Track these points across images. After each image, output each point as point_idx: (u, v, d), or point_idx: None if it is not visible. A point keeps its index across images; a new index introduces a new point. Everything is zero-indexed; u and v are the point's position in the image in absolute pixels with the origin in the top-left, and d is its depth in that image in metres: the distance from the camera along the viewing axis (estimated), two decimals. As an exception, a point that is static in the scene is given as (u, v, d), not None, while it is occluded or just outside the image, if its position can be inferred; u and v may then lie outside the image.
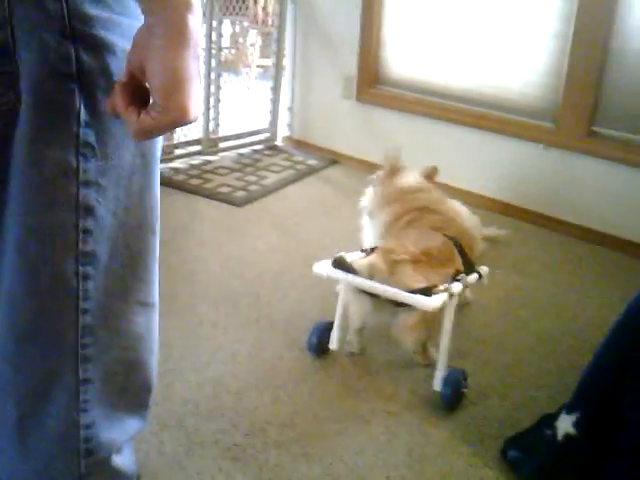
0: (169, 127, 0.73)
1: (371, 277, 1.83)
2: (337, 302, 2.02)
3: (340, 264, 1.87)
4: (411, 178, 2.38)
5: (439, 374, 1.90)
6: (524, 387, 2.00)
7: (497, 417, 1.86)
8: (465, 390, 1.91)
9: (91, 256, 0.81)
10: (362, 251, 2.00)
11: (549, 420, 1.63)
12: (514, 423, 1.82)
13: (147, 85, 0.71)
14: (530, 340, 2.25)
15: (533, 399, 1.94)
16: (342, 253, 1.92)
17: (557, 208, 3.19)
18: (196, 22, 0.68)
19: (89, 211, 0.79)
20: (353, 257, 1.93)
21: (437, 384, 1.91)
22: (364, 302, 1.90)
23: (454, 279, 1.89)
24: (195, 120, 0.72)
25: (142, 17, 0.69)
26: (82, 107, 0.75)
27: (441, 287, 1.81)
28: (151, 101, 0.71)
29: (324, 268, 1.88)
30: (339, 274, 1.86)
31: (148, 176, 0.86)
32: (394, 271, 1.82)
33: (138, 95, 0.72)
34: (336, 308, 2.02)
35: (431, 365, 1.99)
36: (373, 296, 1.86)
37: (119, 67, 0.75)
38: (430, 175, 2.45)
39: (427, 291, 1.79)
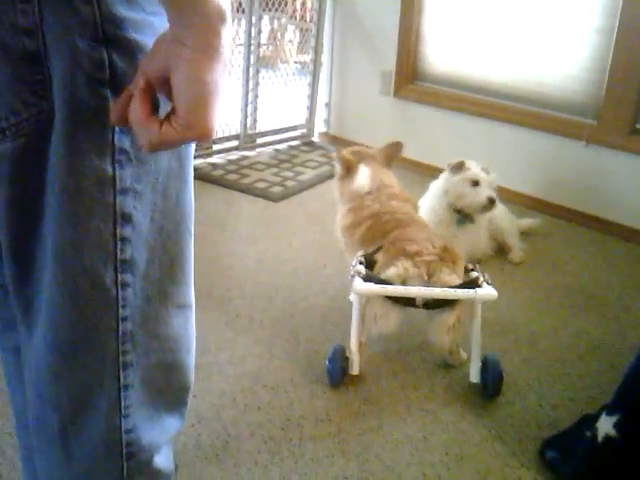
0: (188, 142, 0.70)
1: (404, 284, 1.80)
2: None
3: (370, 277, 1.82)
4: (365, 177, 2.23)
5: (475, 364, 1.90)
6: (563, 387, 1.97)
7: (535, 417, 1.84)
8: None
9: (130, 263, 0.80)
10: (361, 263, 1.90)
11: (589, 421, 1.60)
12: (553, 423, 1.80)
13: (160, 93, 0.68)
14: (569, 340, 2.22)
15: (572, 399, 1.91)
16: (359, 267, 1.86)
17: (597, 206, 3.13)
18: (228, 33, 0.65)
19: (127, 219, 0.78)
20: (359, 268, 1.86)
21: (474, 375, 1.90)
22: (397, 312, 1.84)
23: (468, 271, 1.92)
24: (213, 137, 0.70)
25: None
26: None
27: (481, 278, 1.85)
28: (165, 110, 0.68)
29: (361, 288, 1.79)
30: (378, 288, 1.79)
31: (184, 178, 0.85)
32: (430, 273, 1.80)
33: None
34: (352, 330, 1.90)
35: (462, 365, 2.01)
36: (405, 304, 1.83)
37: None
38: (389, 157, 2.33)
39: (474, 284, 1.82)
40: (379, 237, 1.98)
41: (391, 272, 1.81)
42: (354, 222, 2.11)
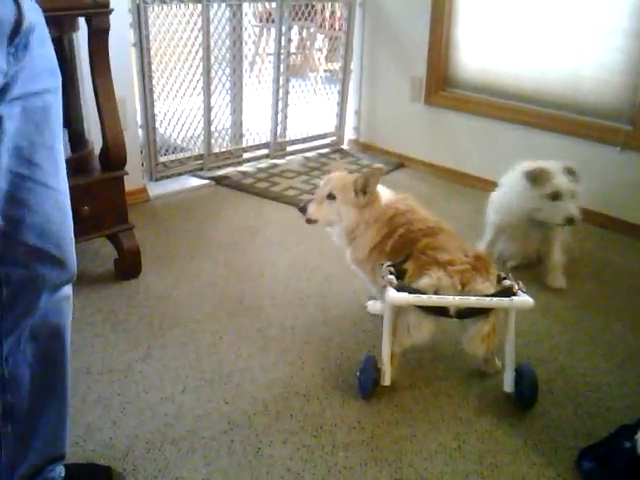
0: None
1: (436, 294, 1.76)
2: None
3: (404, 287, 1.77)
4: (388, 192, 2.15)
5: (509, 374, 1.87)
6: (600, 396, 1.93)
7: (571, 427, 1.80)
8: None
9: None
10: (391, 274, 1.84)
11: (628, 432, 1.57)
12: (589, 433, 1.77)
13: None
14: (605, 348, 2.18)
15: (609, 409, 1.87)
16: (390, 277, 1.82)
17: (632, 212, 3.08)
18: None
19: None
20: (390, 278, 1.81)
21: (508, 385, 1.87)
22: (430, 322, 1.81)
23: (501, 280, 1.88)
24: None
25: None
26: None
27: (515, 286, 1.82)
28: None
29: (395, 298, 1.74)
30: (412, 297, 1.74)
31: None
32: (464, 282, 1.77)
33: None
34: (383, 342, 1.86)
35: (497, 373, 1.98)
36: (438, 313, 1.79)
37: None
38: (364, 185, 2.07)
39: (510, 292, 1.79)
40: (408, 245, 1.96)
41: (424, 282, 1.78)
42: (387, 234, 2.05)
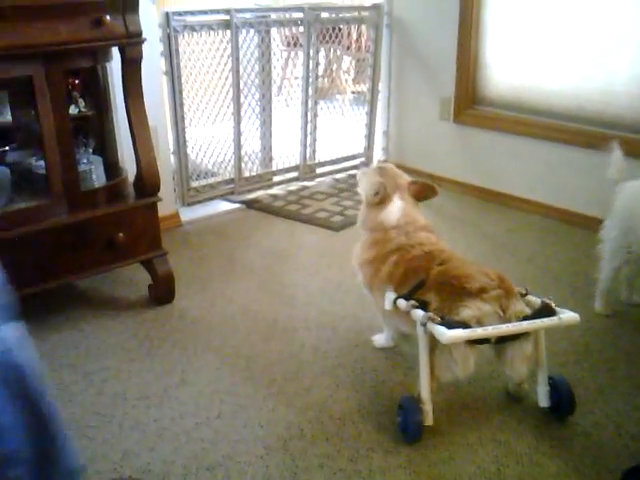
0: None
1: (479, 324, 1.70)
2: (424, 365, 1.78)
3: (450, 322, 1.68)
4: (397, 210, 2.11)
5: (542, 389, 1.85)
6: (642, 417, 1.89)
7: (613, 448, 1.76)
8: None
9: None
10: (415, 307, 1.79)
11: (673, 453, 1.53)
12: (632, 455, 1.73)
13: None
14: (647, 367, 2.13)
15: (653, 430, 1.83)
16: (420, 312, 1.76)
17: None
18: None
19: None
20: (423, 314, 1.74)
21: (543, 399, 1.85)
22: (475, 353, 1.73)
23: (523, 295, 1.85)
24: None
25: None
26: None
27: (552, 302, 1.79)
28: None
29: (453, 336, 1.63)
30: (469, 332, 1.65)
31: None
32: (503, 308, 1.73)
33: None
34: (421, 379, 1.78)
35: (525, 397, 1.96)
36: (480, 342, 1.73)
37: None
38: (420, 194, 2.15)
39: (549, 310, 1.76)
40: (412, 274, 1.89)
41: (466, 314, 1.70)
42: (378, 256, 2.01)
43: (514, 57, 3.54)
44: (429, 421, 1.77)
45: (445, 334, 1.63)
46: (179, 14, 3.21)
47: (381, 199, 2.10)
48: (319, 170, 4.18)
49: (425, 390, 1.77)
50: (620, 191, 2.30)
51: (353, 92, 5.36)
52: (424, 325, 1.72)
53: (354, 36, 5.15)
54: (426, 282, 1.84)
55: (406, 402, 1.80)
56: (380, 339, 2.27)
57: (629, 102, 3.09)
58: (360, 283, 2.17)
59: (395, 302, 1.89)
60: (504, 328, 1.70)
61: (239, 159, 3.72)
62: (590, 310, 2.46)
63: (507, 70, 3.59)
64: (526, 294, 1.87)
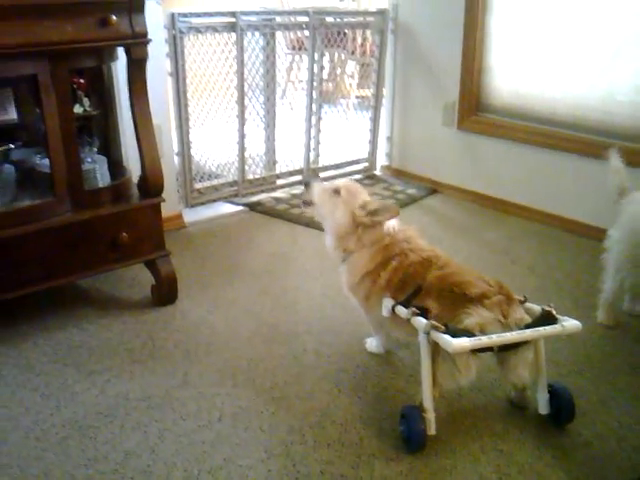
0: None
1: (484, 332, 1.69)
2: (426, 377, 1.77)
3: (455, 331, 1.66)
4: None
5: (542, 396, 1.85)
6: (644, 429, 1.89)
7: (615, 460, 1.76)
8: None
9: None
10: (416, 314, 1.77)
11: (676, 466, 1.53)
12: (634, 466, 1.72)
13: None
14: (649, 378, 2.13)
15: (655, 442, 1.83)
16: (421, 320, 1.73)
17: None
18: None
19: None
20: (424, 322, 1.72)
21: (543, 406, 1.85)
22: (478, 361, 1.73)
23: (522, 302, 1.85)
24: None
25: None
26: None
27: (553, 310, 1.78)
28: None
29: (460, 346, 1.61)
30: (476, 341, 1.63)
31: None
32: (505, 314, 1.73)
33: None
34: (423, 388, 1.76)
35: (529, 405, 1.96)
36: (482, 351, 1.72)
37: None
38: (374, 211, 2.03)
39: (551, 318, 1.76)
40: (410, 280, 1.89)
41: (470, 321, 1.69)
42: (381, 262, 1.99)
43: (519, 65, 3.54)
44: (432, 430, 1.75)
45: (452, 344, 1.61)
46: (184, 15, 3.21)
47: (371, 213, 2.02)
48: (322, 174, 4.17)
49: (428, 399, 1.76)
50: (628, 202, 2.26)
51: (357, 97, 5.38)
52: (427, 333, 1.72)
53: (359, 41, 5.15)
54: (423, 288, 1.85)
55: (409, 411, 1.79)
56: (372, 344, 2.26)
57: (633, 112, 3.09)
58: (355, 304, 2.14)
59: (393, 309, 1.88)
60: (509, 336, 1.69)
61: (243, 161, 3.72)
62: (592, 320, 2.45)
63: (511, 78, 3.60)
64: (525, 301, 1.86)
